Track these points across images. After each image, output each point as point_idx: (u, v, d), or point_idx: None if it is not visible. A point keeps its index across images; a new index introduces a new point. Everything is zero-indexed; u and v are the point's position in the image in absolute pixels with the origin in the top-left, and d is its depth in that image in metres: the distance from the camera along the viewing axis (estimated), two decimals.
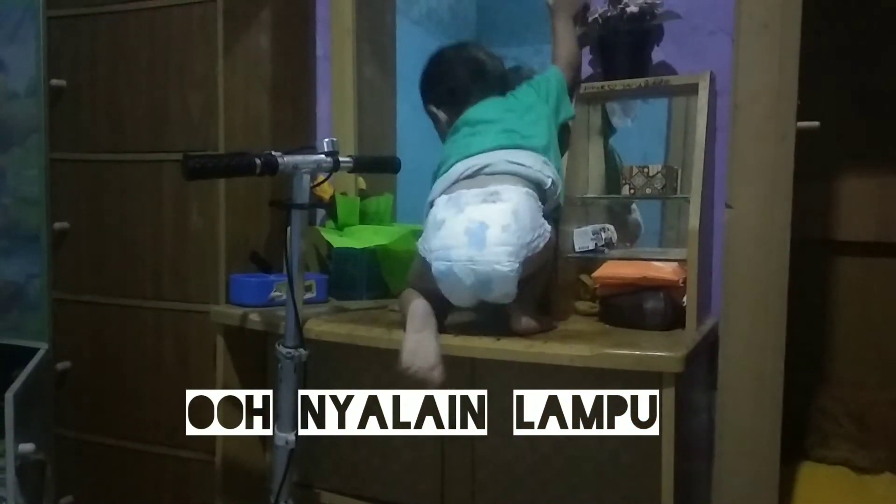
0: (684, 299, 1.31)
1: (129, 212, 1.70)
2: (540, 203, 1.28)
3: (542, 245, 1.23)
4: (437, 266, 1.23)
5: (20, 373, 1.81)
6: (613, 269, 1.37)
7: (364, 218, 1.70)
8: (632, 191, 1.43)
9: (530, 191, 1.26)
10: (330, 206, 1.71)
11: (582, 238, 1.44)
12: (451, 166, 1.32)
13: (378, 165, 1.52)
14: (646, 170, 1.41)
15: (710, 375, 1.40)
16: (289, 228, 1.31)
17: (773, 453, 1.20)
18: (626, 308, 1.35)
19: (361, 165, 1.44)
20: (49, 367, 1.80)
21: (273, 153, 1.25)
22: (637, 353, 1.15)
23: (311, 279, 1.60)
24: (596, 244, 1.43)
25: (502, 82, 1.45)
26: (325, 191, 1.69)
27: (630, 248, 1.56)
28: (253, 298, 1.54)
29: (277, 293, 1.55)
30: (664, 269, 1.33)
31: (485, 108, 1.39)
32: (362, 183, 1.80)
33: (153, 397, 1.70)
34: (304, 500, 1.55)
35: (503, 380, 1.36)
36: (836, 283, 1.51)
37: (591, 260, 1.45)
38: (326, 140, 1.32)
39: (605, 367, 1.17)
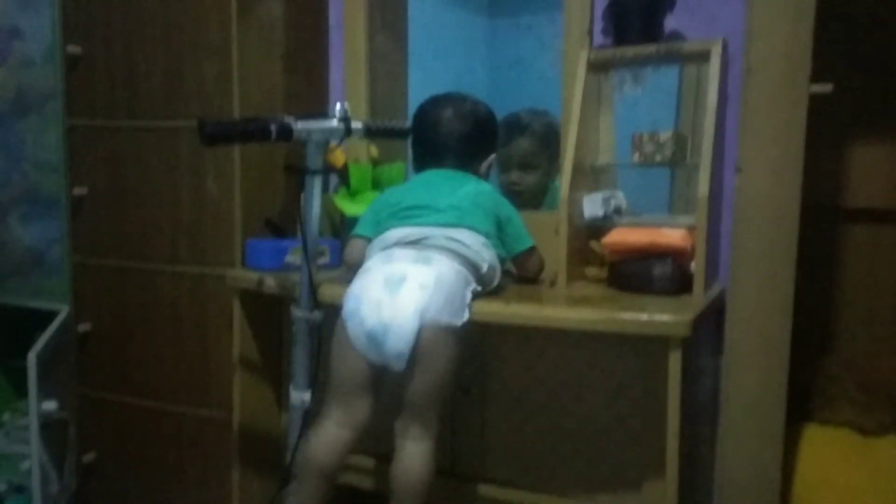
0: (692, 265, 1.33)
1: (146, 177, 1.73)
2: (473, 286, 1.25)
3: (448, 321, 1.18)
4: (349, 304, 1.23)
5: (42, 334, 1.85)
6: (622, 236, 1.39)
7: (376, 185, 1.72)
8: (642, 158, 1.43)
9: (464, 270, 1.24)
10: (343, 174, 1.73)
11: (591, 205, 1.45)
12: (387, 229, 1.32)
13: (389, 132, 1.53)
14: (656, 137, 1.41)
15: (717, 341, 1.42)
16: (303, 194, 1.33)
17: (778, 415, 1.21)
18: (634, 274, 1.36)
19: (373, 132, 1.45)
20: (71, 329, 1.84)
21: (287, 119, 1.26)
22: (644, 317, 1.17)
23: (324, 245, 1.63)
24: (605, 211, 1.44)
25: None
26: (338, 158, 1.71)
27: (639, 216, 1.57)
28: (268, 263, 1.57)
29: (292, 258, 1.58)
30: (673, 236, 1.34)
31: (439, 176, 1.40)
32: (374, 151, 1.81)
33: (172, 357, 1.74)
34: None
35: (512, 343, 1.39)
36: (846, 250, 1.52)
37: (600, 226, 1.46)
38: (339, 105, 1.34)
39: (612, 331, 1.19)
